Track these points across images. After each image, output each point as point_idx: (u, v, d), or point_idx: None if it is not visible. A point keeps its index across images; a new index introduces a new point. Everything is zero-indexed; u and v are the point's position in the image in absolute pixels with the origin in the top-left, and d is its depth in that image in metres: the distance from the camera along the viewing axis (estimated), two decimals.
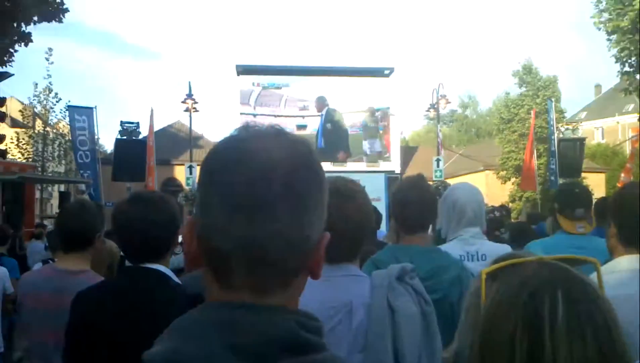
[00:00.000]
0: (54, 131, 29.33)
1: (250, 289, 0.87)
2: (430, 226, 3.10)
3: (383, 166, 21.46)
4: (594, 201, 3.95)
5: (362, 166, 21.23)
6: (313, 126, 21.12)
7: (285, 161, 0.87)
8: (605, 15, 20.17)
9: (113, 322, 2.16)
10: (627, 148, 35.52)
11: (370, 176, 15.67)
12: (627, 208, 2.17)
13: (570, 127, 20.18)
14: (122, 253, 3.23)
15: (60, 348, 2.62)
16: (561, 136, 17.84)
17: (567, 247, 3.10)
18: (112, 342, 2.10)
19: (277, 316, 0.86)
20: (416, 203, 2.80)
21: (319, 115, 21.20)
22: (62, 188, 24.23)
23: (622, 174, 16.53)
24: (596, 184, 33.17)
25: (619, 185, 12.77)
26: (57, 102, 28.04)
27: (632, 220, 2.12)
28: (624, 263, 2.13)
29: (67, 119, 19.97)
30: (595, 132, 51.58)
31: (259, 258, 0.85)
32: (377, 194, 14.51)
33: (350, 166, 20.83)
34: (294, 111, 21.22)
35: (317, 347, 0.87)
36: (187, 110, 23.09)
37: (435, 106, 24.68)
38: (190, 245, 0.91)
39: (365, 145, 21.65)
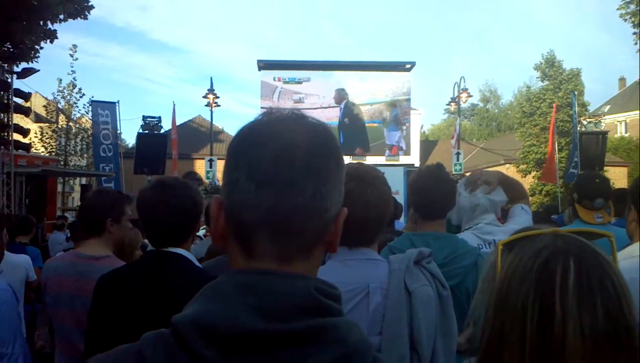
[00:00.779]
0: (77, 125, 29.65)
1: (274, 258, 0.93)
2: None
3: (402, 159, 21.44)
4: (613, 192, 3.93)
5: (381, 159, 21.20)
6: (332, 119, 21.09)
7: (306, 141, 0.94)
8: (632, 6, 19.89)
9: (135, 304, 2.21)
10: None
11: (389, 169, 15.64)
12: None
13: (592, 120, 19.93)
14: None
15: (80, 330, 2.68)
16: (583, 129, 17.65)
17: None
18: (134, 324, 2.13)
19: (297, 282, 0.91)
20: (434, 189, 2.82)
21: (337, 107, 21.19)
22: (84, 181, 24.49)
23: None
24: (618, 178, 32.82)
25: None
26: (80, 97, 28.41)
27: None
28: None
29: (90, 113, 20.22)
30: (618, 125, 50.89)
31: (284, 229, 0.92)
32: (396, 187, 14.42)
33: (370, 159, 20.81)
34: (314, 104, 21.22)
35: (334, 311, 0.92)
36: (208, 105, 23.26)
37: (457, 100, 24.53)
38: (218, 222, 0.97)
39: (386, 137, 21.63)
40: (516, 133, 36.27)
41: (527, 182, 32.96)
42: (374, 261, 2.02)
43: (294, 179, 0.91)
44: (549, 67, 33.55)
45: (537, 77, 34.52)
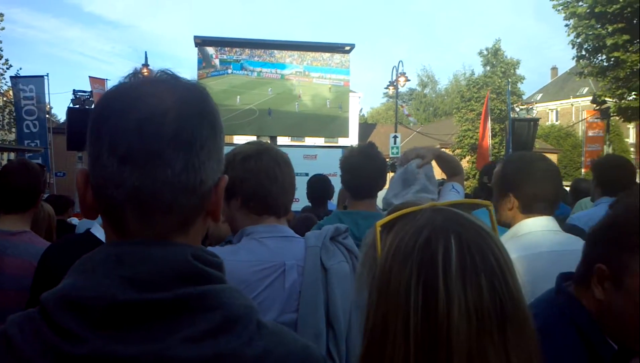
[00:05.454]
0: (4, 98, 28.43)
1: (147, 235, 0.87)
2: None
3: (341, 141, 21.50)
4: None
5: (320, 141, 21.22)
6: None
7: (175, 107, 0.86)
8: None
9: None
10: (580, 130, 36.34)
11: (327, 151, 15.70)
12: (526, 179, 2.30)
13: (525, 107, 20.49)
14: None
15: (3, 308, 2.56)
16: (516, 116, 18.12)
17: None
18: None
19: (172, 250, 0.85)
20: (365, 168, 2.81)
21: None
22: (12, 156, 23.55)
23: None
24: None
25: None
26: (7, 68, 27.21)
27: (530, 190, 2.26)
28: (530, 225, 2.25)
29: (19, 85, 19.43)
30: (550, 113, 52.55)
31: (153, 207, 0.85)
32: (333, 169, 14.47)
33: (309, 141, 20.81)
34: None
35: (214, 278, 0.87)
36: None
37: (395, 84, 24.76)
38: (85, 196, 0.90)
39: (325, 121, 21.61)
40: (454, 117, 37.03)
41: (462, 166, 33.69)
42: (290, 238, 2.00)
43: (160, 152, 0.83)
44: (493, 55, 34.46)
45: (480, 63, 35.49)
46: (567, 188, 7.44)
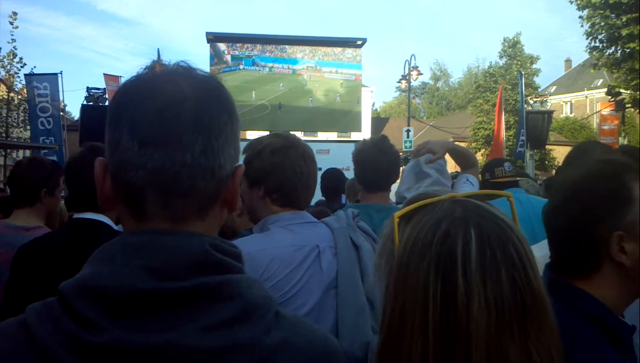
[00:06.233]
0: (19, 96, 28.63)
1: (166, 219, 0.88)
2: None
3: (354, 136, 21.48)
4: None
5: (332, 136, 21.19)
6: None
7: (194, 94, 0.88)
8: None
9: (54, 273, 2.12)
10: (594, 122, 36.04)
11: (340, 145, 15.67)
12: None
13: (538, 100, 20.35)
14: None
15: None
16: (530, 108, 17.99)
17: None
18: (51, 292, 2.08)
19: (190, 239, 0.86)
20: (379, 160, 2.80)
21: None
22: (28, 153, 23.73)
23: None
24: (563, 157, 33.69)
25: None
26: (21, 67, 27.36)
27: None
28: None
29: (33, 83, 19.54)
30: (564, 106, 52.18)
31: (173, 189, 0.86)
32: (346, 163, 14.42)
33: (321, 136, 20.78)
34: None
35: (233, 268, 0.87)
36: None
37: (407, 77, 24.67)
38: (104, 185, 0.91)
39: (337, 115, 21.58)
40: (468, 107, 36.88)
41: (476, 158, 33.57)
42: (314, 223, 2.06)
43: (180, 135, 0.85)
44: (512, 46, 34.26)
45: (497, 55, 35.33)
46: None
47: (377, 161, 2.80)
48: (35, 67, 23.60)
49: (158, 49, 23.42)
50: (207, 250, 0.85)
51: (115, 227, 2.34)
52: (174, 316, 0.80)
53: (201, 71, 0.93)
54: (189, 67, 0.93)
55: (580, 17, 20.35)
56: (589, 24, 20.05)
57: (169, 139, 0.84)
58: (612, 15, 19.23)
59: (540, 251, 2.07)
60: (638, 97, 19.99)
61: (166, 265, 0.82)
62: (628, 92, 20.61)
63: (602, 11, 19.42)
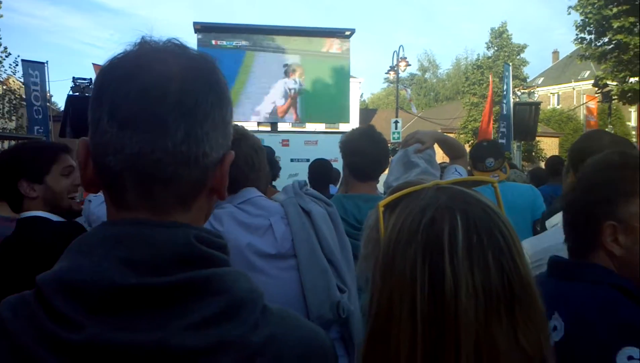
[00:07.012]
0: (4, 87, 28.29)
1: (147, 209, 0.83)
2: None
3: (342, 127, 21.41)
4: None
5: (321, 127, 21.13)
6: None
7: (182, 74, 0.81)
8: None
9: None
10: (581, 114, 36.22)
11: (328, 136, 15.63)
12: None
13: (526, 91, 20.41)
14: None
15: None
16: (517, 100, 18.03)
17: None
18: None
19: (174, 231, 0.81)
20: (369, 149, 2.78)
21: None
22: (13, 144, 23.49)
23: None
24: (550, 148, 33.97)
25: None
26: (6, 56, 27.03)
27: None
28: None
29: (20, 73, 19.31)
30: (551, 97, 52.39)
31: (153, 176, 0.81)
32: (334, 155, 14.37)
33: (309, 126, 20.70)
34: None
35: (218, 261, 0.83)
36: None
37: (395, 69, 24.65)
38: (87, 167, 0.86)
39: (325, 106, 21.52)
40: (460, 102, 36.89)
41: (465, 149, 33.63)
42: (260, 197, 2.11)
43: (162, 119, 0.78)
44: (498, 36, 34.25)
45: (484, 46, 35.30)
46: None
47: (366, 150, 2.79)
48: (19, 56, 23.35)
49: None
50: (191, 242, 0.80)
51: (53, 218, 2.32)
52: (158, 314, 0.75)
53: (193, 50, 0.87)
54: (181, 44, 0.87)
55: (569, 7, 20.42)
56: (580, 12, 20.09)
57: (149, 123, 0.78)
58: (608, 5, 19.23)
59: (542, 244, 2.09)
60: (625, 88, 20.10)
61: (148, 259, 0.77)
62: (614, 83, 20.71)
63: (595, 0, 19.48)
